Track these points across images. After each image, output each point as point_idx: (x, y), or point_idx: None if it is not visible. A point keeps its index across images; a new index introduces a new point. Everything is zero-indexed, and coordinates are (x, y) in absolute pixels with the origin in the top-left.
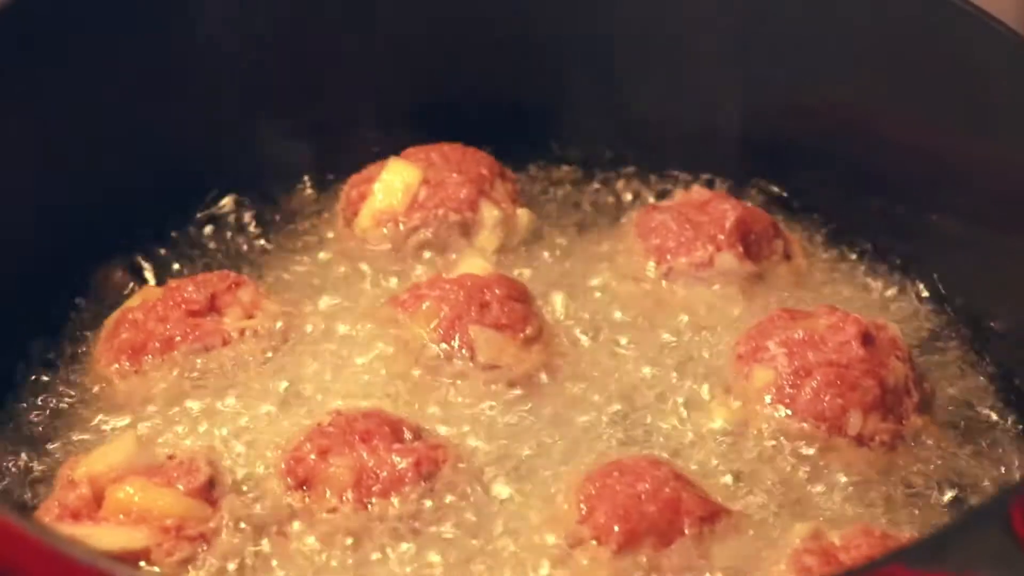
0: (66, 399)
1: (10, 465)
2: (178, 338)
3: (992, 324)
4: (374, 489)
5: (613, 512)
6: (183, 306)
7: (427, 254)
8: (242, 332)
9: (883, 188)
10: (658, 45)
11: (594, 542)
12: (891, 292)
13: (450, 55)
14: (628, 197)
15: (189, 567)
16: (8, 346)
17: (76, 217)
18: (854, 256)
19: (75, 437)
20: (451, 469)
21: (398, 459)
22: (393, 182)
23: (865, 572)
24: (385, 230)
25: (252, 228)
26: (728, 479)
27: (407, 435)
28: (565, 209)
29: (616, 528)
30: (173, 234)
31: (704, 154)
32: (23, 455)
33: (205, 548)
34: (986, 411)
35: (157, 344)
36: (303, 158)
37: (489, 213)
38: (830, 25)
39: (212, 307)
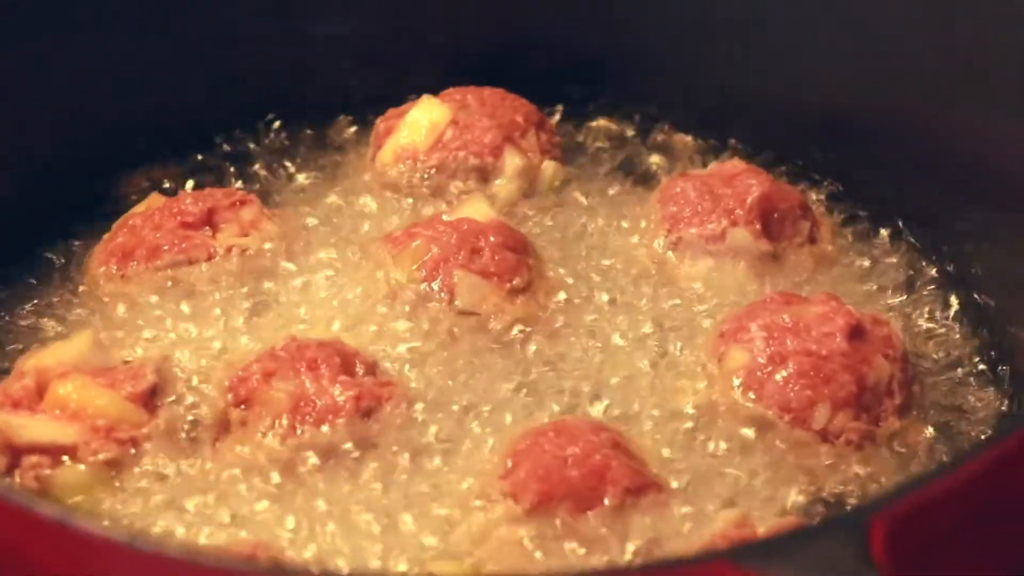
0: (56, 292)
1: None
2: (165, 247)
3: (1014, 336)
4: (308, 418)
5: (533, 471)
6: (178, 217)
7: (440, 195)
8: (229, 249)
9: (932, 181)
10: (736, 20)
11: (510, 499)
12: (918, 287)
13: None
14: (674, 162)
15: (113, 470)
16: (35, 233)
17: (112, 126)
18: (889, 246)
19: (47, 330)
20: (393, 408)
21: (338, 391)
22: (419, 120)
23: (690, 563)
24: (403, 167)
25: (286, 152)
26: (674, 455)
27: (359, 369)
28: (604, 167)
29: (533, 487)
30: (212, 149)
31: (760, 128)
32: None
33: (133, 452)
34: (980, 428)
35: (144, 251)
36: (351, 90)
37: (511, 161)
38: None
39: (209, 221)
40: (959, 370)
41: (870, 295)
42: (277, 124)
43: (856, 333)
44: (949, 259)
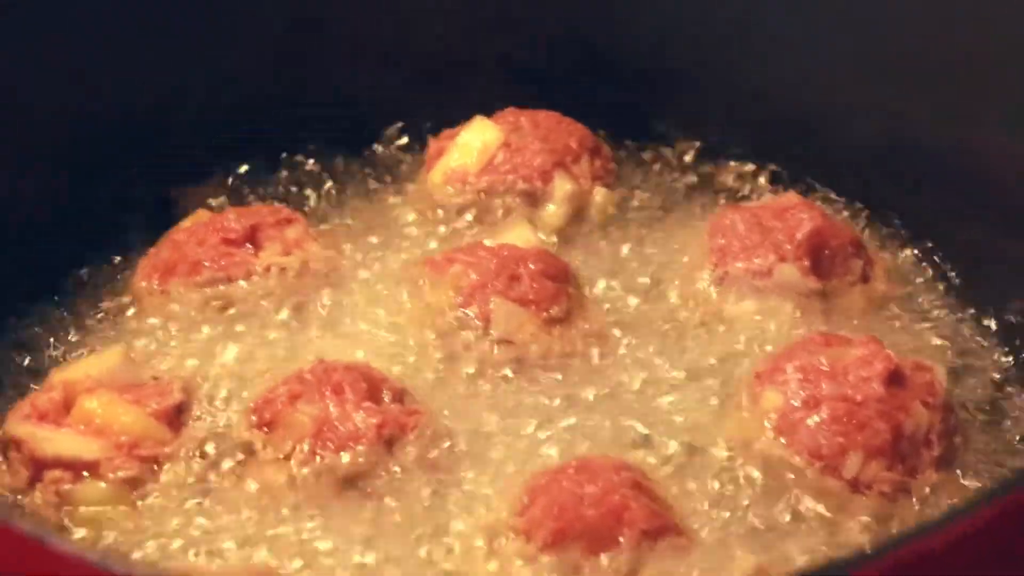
0: (100, 305)
1: (16, 357)
2: (206, 264)
3: None
4: (330, 444)
5: (548, 509)
6: (221, 233)
7: (487, 219)
8: (268, 268)
9: (1002, 226)
10: (808, 56)
11: (524, 536)
12: (974, 335)
13: (588, 28)
14: (731, 194)
15: (134, 488)
16: (86, 244)
17: (171, 142)
18: (947, 290)
19: (85, 342)
20: (418, 438)
21: (361, 417)
22: (471, 142)
23: None
24: (451, 189)
25: (341, 172)
26: (699, 498)
27: (386, 396)
28: (659, 196)
29: (548, 525)
30: (267, 167)
31: (824, 163)
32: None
33: (156, 470)
34: None
35: (185, 267)
36: (410, 109)
37: (561, 186)
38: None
39: (252, 239)
40: (1007, 423)
41: (921, 339)
42: (334, 143)
43: (895, 379)
44: (1011, 309)
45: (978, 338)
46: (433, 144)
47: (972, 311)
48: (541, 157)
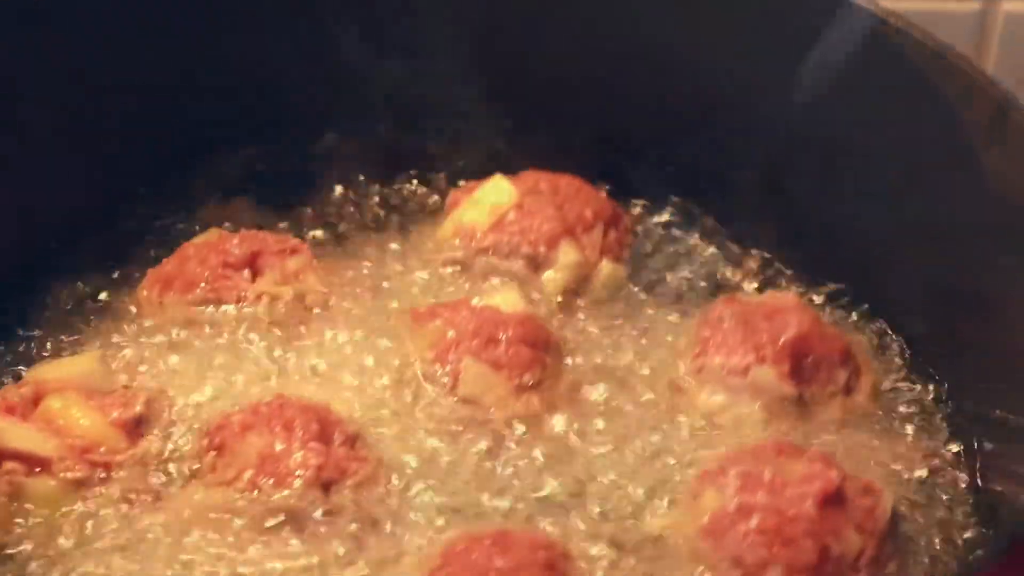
0: (99, 306)
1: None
2: (201, 284)
3: None
4: (269, 481)
5: None
6: (222, 256)
7: (486, 278)
8: (260, 296)
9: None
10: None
11: None
12: (946, 468)
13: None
14: (749, 286)
15: (81, 489)
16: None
17: (210, 160)
18: (934, 414)
19: (78, 341)
20: (355, 485)
21: (301, 456)
22: (484, 199)
23: None
24: (458, 242)
25: (371, 209)
26: None
27: (336, 439)
28: (672, 277)
29: None
30: (300, 195)
31: (849, 272)
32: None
33: (104, 476)
34: None
35: (181, 283)
36: (454, 156)
37: (565, 255)
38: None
39: (251, 264)
40: (955, 560)
41: (889, 460)
42: (362, 183)
43: (833, 500)
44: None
45: (950, 472)
46: (452, 195)
47: (953, 444)
48: (551, 224)
